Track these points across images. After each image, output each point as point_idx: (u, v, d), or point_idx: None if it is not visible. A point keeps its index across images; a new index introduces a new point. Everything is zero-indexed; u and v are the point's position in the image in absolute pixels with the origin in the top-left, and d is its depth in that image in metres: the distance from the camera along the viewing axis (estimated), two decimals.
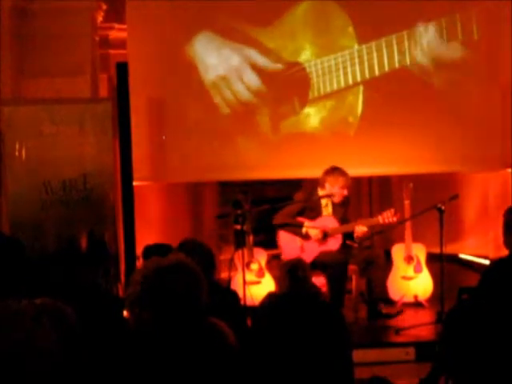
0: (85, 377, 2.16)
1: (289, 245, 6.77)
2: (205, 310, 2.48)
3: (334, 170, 6.72)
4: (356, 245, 6.82)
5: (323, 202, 6.81)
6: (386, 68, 7.79)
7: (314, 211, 6.79)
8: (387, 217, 6.55)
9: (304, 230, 6.70)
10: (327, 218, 6.77)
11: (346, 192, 6.73)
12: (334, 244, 6.70)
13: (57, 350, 1.66)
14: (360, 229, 6.58)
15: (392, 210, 6.59)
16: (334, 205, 6.79)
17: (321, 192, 6.77)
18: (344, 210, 6.85)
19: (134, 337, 2.46)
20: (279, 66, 7.77)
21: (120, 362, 2.40)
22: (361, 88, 7.84)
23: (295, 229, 6.74)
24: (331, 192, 6.70)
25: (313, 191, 6.83)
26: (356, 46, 7.76)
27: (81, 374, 2.14)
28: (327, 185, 6.71)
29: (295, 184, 7.41)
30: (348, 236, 6.78)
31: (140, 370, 2.34)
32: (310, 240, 6.71)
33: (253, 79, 7.77)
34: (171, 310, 2.38)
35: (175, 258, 2.52)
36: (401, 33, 7.75)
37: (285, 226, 6.78)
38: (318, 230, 6.68)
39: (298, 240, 6.75)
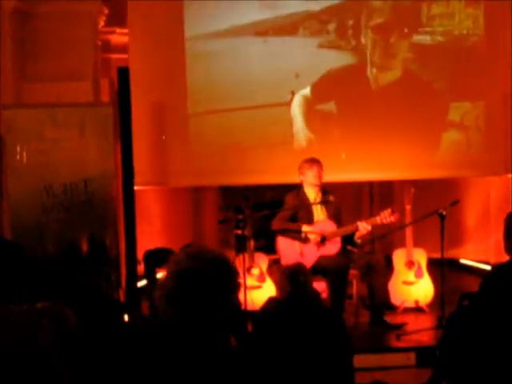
0: (84, 378, 2.15)
1: (288, 250, 6.77)
2: (233, 312, 2.44)
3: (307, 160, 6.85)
4: (356, 250, 6.81)
5: (312, 197, 6.83)
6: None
7: (306, 211, 6.80)
8: (384, 216, 6.54)
9: (303, 233, 6.69)
10: (324, 221, 6.77)
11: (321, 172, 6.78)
12: (332, 248, 6.69)
13: (57, 352, 1.66)
14: (363, 226, 6.56)
15: (389, 210, 6.58)
16: (325, 204, 6.81)
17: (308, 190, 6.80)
18: (332, 205, 6.83)
19: (139, 335, 2.43)
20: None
21: (119, 364, 2.39)
22: None
23: (293, 233, 6.74)
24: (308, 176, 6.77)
25: (299, 191, 6.86)
26: None
27: (80, 376, 2.13)
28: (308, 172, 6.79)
29: (291, 190, 7.41)
30: (348, 241, 6.77)
31: (139, 372, 2.33)
32: (308, 243, 6.70)
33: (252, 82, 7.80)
34: (199, 311, 2.34)
35: (213, 254, 2.45)
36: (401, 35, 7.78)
37: (284, 232, 6.78)
38: (316, 234, 6.68)
39: (296, 245, 6.74)
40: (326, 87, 7.89)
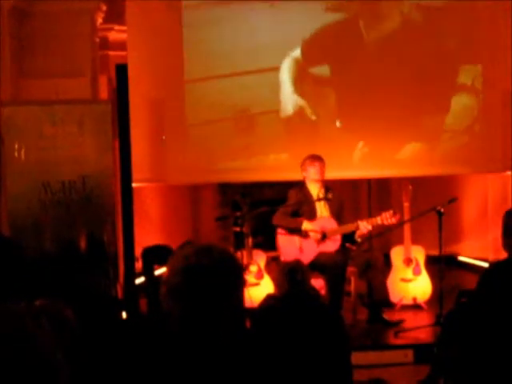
0: (84, 377, 2.15)
1: (287, 245, 6.78)
2: (239, 312, 2.45)
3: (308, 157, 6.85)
4: (355, 247, 6.82)
5: (314, 193, 6.83)
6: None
7: (308, 207, 6.81)
8: (386, 218, 6.54)
9: (303, 228, 6.70)
10: (326, 218, 6.78)
11: (323, 167, 6.78)
12: (332, 245, 6.70)
13: (56, 351, 1.66)
14: (364, 226, 6.56)
15: (391, 211, 6.59)
16: (328, 201, 6.81)
17: (311, 186, 6.81)
18: (335, 202, 6.84)
19: (140, 331, 2.43)
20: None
21: (118, 361, 2.39)
22: None
23: (293, 227, 6.75)
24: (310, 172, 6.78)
25: (302, 187, 6.86)
26: None
27: (79, 374, 2.13)
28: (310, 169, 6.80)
29: (294, 186, 7.42)
30: (347, 238, 6.78)
31: (141, 369, 2.34)
32: (308, 239, 6.71)
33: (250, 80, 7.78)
34: (205, 307, 2.34)
35: (221, 250, 2.43)
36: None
37: (284, 226, 6.79)
38: (316, 232, 6.69)
39: (296, 240, 6.75)
40: (318, 48, 7.68)
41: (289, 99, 7.73)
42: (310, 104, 7.72)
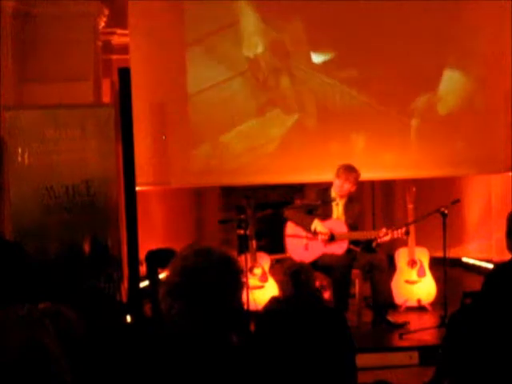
0: (87, 381, 2.15)
1: (294, 241, 6.77)
2: (238, 314, 2.45)
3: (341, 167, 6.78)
4: (358, 249, 6.82)
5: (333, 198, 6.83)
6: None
7: (325, 208, 6.79)
8: (397, 233, 6.57)
9: (313, 226, 6.68)
10: (337, 221, 6.77)
11: (348, 186, 6.72)
12: (338, 248, 6.70)
13: (60, 354, 1.66)
14: (385, 239, 6.58)
15: (403, 229, 6.60)
16: (345, 205, 6.79)
17: (333, 192, 6.78)
18: (354, 212, 6.84)
19: (142, 334, 2.43)
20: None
21: (122, 363, 2.39)
22: None
23: (304, 223, 6.72)
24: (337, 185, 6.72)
25: (326, 191, 6.83)
26: None
27: (84, 378, 2.13)
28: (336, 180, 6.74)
29: (297, 189, 7.41)
30: (353, 241, 6.78)
31: (144, 374, 2.33)
32: (315, 239, 6.70)
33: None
34: (204, 307, 2.35)
35: (220, 252, 2.45)
36: None
37: (295, 220, 6.77)
38: (325, 231, 6.67)
39: (303, 239, 6.75)
40: None
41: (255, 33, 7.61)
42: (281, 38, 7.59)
